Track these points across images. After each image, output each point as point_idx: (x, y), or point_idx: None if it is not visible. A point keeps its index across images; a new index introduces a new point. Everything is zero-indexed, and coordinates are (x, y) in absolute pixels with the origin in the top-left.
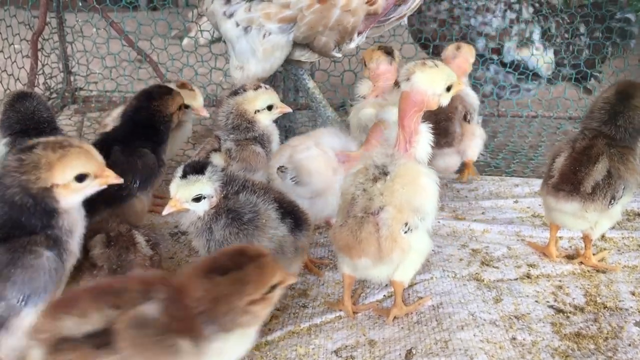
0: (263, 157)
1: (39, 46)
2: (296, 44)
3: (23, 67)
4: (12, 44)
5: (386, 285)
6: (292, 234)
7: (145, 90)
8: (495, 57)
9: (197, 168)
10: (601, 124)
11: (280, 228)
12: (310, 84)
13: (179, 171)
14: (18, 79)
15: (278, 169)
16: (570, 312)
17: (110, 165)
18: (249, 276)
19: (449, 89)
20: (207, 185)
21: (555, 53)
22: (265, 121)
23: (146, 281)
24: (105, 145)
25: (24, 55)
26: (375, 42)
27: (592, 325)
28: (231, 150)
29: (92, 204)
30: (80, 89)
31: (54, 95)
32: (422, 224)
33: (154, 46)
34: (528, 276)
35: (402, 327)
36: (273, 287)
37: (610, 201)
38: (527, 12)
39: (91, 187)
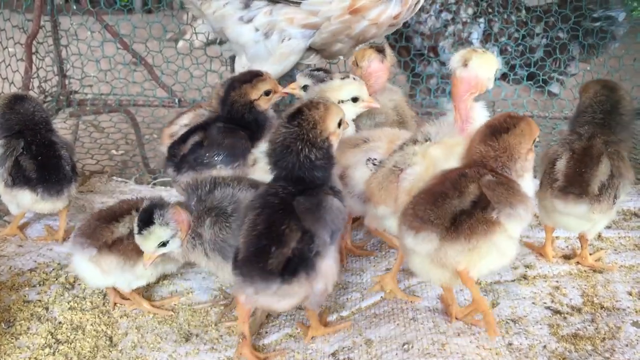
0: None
1: (34, 49)
2: (309, 49)
3: (17, 70)
4: (7, 47)
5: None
6: None
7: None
8: (432, 56)
9: (146, 220)
10: (594, 122)
11: None
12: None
13: (135, 227)
14: (12, 82)
15: (369, 160)
16: (567, 313)
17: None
18: (524, 131)
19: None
20: (161, 232)
21: (503, 53)
22: (348, 114)
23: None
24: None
25: (18, 58)
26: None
27: (589, 325)
28: None
29: None
30: (75, 92)
31: (49, 98)
32: None
33: (148, 49)
34: (525, 277)
35: (397, 324)
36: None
37: (614, 200)
38: (465, 13)
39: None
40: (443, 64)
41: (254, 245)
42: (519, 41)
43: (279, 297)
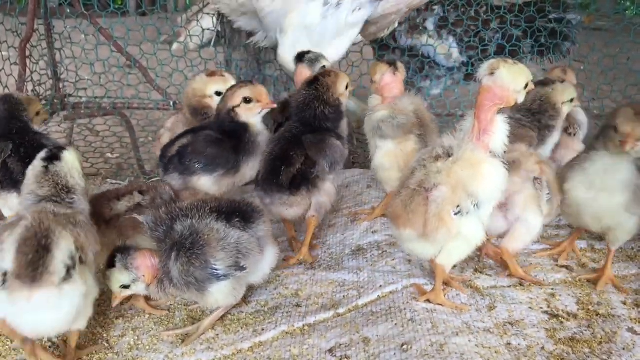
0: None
1: (27, 53)
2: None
3: (11, 74)
4: (0, 51)
5: (380, 286)
6: (246, 230)
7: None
8: (393, 43)
9: (109, 262)
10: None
11: (231, 232)
12: None
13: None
14: (6, 86)
15: (535, 179)
16: (563, 318)
17: None
18: None
19: (526, 86)
20: (120, 277)
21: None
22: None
23: None
24: None
25: (12, 62)
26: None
27: (585, 330)
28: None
29: None
30: (70, 95)
31: (43, 102)
32: (475, 212)
33: (143, 52)
34: (521, 284)
35: (395, 324)
36: None
37: None
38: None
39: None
40: (403, 51)
41: (270, 166)
42: (472, 34)
43: (287, 206)
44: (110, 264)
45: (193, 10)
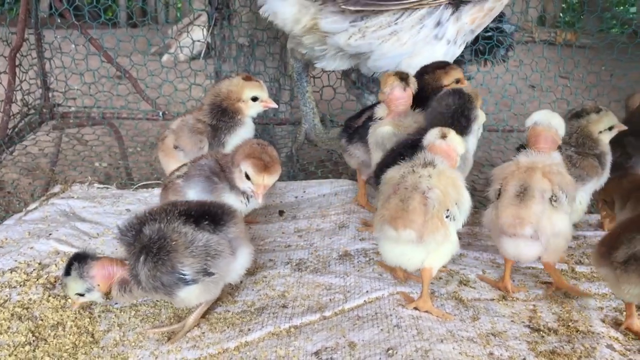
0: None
1: (17, 62)
2: None
3: (1, 83)
4: None
5: (367, 291)
6: (216, 232)
7: (423, 66)
8: None
9: (66, 269)
10: None
11: (199, 235)
12: (308, 88)
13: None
14: None
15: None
16: (544, 333)
17: None
18: None
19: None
20: (74, 285)
21: None
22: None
23: None
24: None
25: (1, 71)
26: None
27: (566, 345)
28: (572, 158)
29: None
30: (59, 105)
31: (32, 111)
32: (459, 218)
33: (133, 62)
34: (504, 298)
35: (381, 330)
36: None
37: None
38: None
39: None
40: None
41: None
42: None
43: None
44: (67, 272)
45: (184, 22)
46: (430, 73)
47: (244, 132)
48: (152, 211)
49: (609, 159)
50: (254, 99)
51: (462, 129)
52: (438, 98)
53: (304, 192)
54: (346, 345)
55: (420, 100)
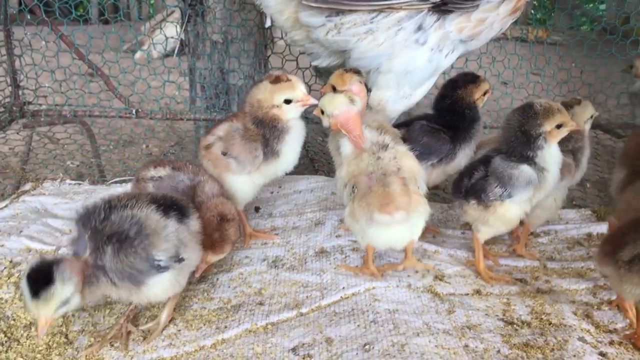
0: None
1: None
2: None
3: None
4: None
5: (343, 287)
6: (182, 223)
7: (450, 80)
8: None
9: (45, 279)
10: None
11: (170, 223)
12: None
13: (25, 288)
14: None
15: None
16: (518, 326)
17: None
18: None
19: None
20: (65, 290)
21: None
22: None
23: None
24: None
25: None
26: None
27: (539, 337)
28: None
29: None
30: (29, 103)
31: (2, 109)
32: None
33: (105, 59)
34: (478, 292)
35: (358, 325)
36: None
37: None
38: None
39: None
40: None
41: None
42: None
43: None
44: (46, 282)
45: (157, 18)
46: (462, 88)
47: (293, 137)
48: (120, 197)
49: (586, 153)
50: (287, 101)
51: (524, 145)
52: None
53: (280, 187)
54: (323, 341)
55: (452, 115)
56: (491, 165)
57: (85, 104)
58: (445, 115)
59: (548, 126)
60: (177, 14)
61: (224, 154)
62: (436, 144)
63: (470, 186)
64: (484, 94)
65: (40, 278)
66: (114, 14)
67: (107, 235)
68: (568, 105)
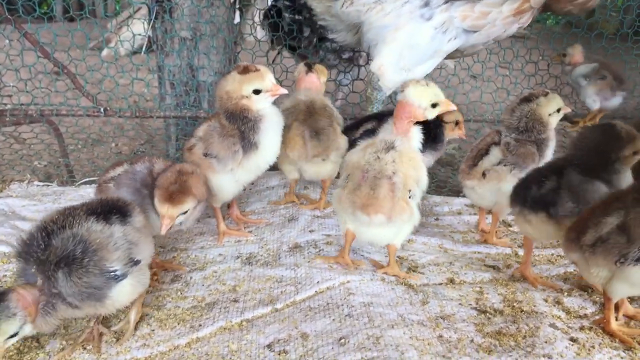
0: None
1: None
2: None
3: None
4: None
5: (317, 282)
6: (127, 224)
7: None
8: None
9: None
10: None
11: (115, 229)
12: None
13: None
14: None
15: None
16: (491, 314)
17: None
18: None
19: (434, 106)
20: (9, 326)
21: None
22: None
23: None
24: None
25: None
26: None
27: (511, 325)
28: (510, 145)
29: None
30: None
31: None
32: (415, 198)
33: (71, 57)
34: (452, 281)
35: (333, 319)
36: None
37: None
38: None
39: None
40: None
41: None
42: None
43: None
44: None
45: (123, 15)
46: None
47: (269, 126)
48: (54, 219)
49: (551, 145)
50: (257, 91)
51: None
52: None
53: (253, 184)
54: (299, 337)
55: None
56: (564, 178)
57: (51, 102)
58: None
59: (627, 151)
60: (144, 11)
61: (205, 154)
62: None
63: (538, 196)
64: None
65: None
66: (79, 11)
67: (53, 263)
68: (534, 96)
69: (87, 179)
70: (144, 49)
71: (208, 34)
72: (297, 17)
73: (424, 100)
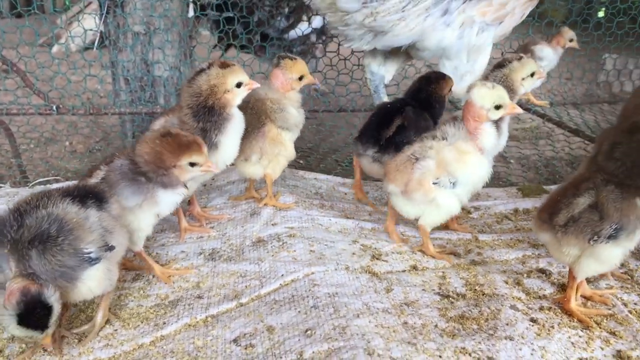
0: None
1: None
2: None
3: None
4: None
5: (282, 275)
6: (103, 210)
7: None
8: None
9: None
10: None
11: (90, 213)
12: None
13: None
14: None
15: None
16: (454, 299)
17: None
18: None
19: (497, 107)
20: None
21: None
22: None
23: None
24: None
25: None
26: None
27: (473, 309)
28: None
29: None
30: None
31: None
32: (452, 188)
33: (20, 54)
34: (415, 268)
35: (299, 312)
36: None
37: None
38: None
39: None
40: None
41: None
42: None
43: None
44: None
45: (73, 10)
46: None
47: (234, 127)
48: (28, 200)
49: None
50: (238, 84)
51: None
52: None
53: (213, 179)
54: (265, 330)
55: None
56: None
57: (1, 101)
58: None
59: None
60: (95, 5)
61: None
62: (425, 123)
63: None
64: (450, 90)
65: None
66: (26, 7)
67: (27, 241)
68: (507, 61)
69: (41, 179)
70: (96, 44)
71: (162, 28)
72: (223, 14)
73: (487, 102)
